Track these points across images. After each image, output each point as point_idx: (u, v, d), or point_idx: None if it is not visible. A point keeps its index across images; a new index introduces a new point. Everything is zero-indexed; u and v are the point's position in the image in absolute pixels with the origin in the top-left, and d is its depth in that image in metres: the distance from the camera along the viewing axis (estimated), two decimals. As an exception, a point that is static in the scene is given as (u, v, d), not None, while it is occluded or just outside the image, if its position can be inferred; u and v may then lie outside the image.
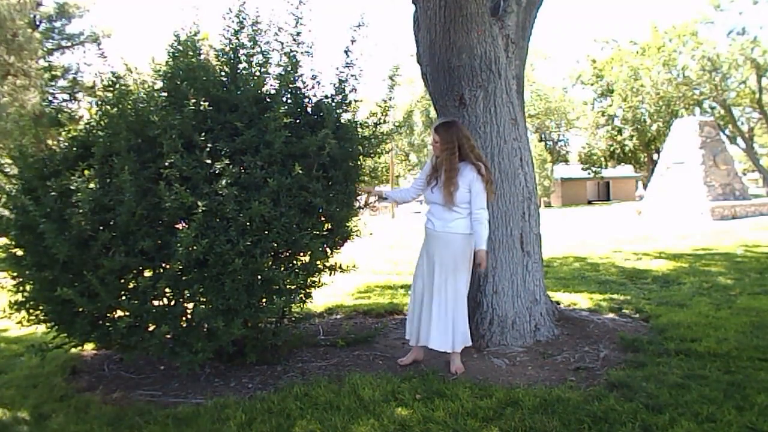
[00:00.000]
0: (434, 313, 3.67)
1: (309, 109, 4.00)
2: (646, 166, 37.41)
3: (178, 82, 3.62)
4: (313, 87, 4.04)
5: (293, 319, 4.40)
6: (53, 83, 26.73)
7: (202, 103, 3.44)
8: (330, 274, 4.17)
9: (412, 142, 37.36)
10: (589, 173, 40.27)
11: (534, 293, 4.28)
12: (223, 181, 3.31)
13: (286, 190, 3.51)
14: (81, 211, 3.27)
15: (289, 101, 3.88)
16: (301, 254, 3.88)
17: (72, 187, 3.30)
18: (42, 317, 3.75)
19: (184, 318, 3.54)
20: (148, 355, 3.66)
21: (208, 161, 3.37)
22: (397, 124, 5.00)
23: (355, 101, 4.05)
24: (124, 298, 3.44)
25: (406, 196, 4.04)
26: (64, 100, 27.41)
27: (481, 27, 4.09)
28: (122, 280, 3.52)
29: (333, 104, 3.92)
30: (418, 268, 3.89)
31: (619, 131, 37.32)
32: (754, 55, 27.06)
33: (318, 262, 3.92)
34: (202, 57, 3.81)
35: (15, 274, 3.77)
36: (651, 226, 14.74)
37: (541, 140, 42.50)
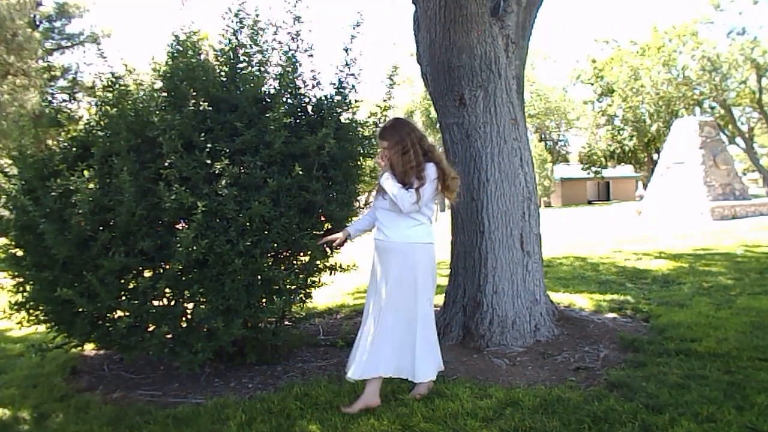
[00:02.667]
0: (418, 341, 3.14)
1: (309, 109, 4.00)
2: (646, 166, 37.40)
3: (178, 82, 3.62)
4: (313, 87, 4.05)
5: (293, 319, 4.39)
6: (53, 83, 26.73)
7: (201, 103, 3.44)
8: (330, 274, 4.17)
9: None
10: (589, 173, 40.24)
11: (534, 293, 4.28)
12: (223, 182, 3.31)
13: (286, 190, 3.51)
14: (81, 211, 3.27)
15: (289, 101, 3.88)
16: (301, 254, 3.88)
17: (72, 187, 3.30)
18: (42, 317, 3.75)
19: (184, 318, 3.55)
20: (148, 355, 3.67)
21: (208, 161, 3.37)
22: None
23: (355, 101, 4.05)
24: (124, 298, 3.44)
25: (370, 221, 3.42)
26: (64, 100, 27.37)
27: (481, 27, 4.09)
28: (122, 281, 3.52)
29: (333, 104, 3.92)
30: (369, 291, 3.38)
31: (619, 131, 37.30)
32: (754, 55, 27.02)
33: (318, 262, 3.92)
34: (202, 57, 3.81)
35: (15, 274, 3.77)
36: (651, 226, 14.74)
37: (541, 140, 42.50)
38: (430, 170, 3.10)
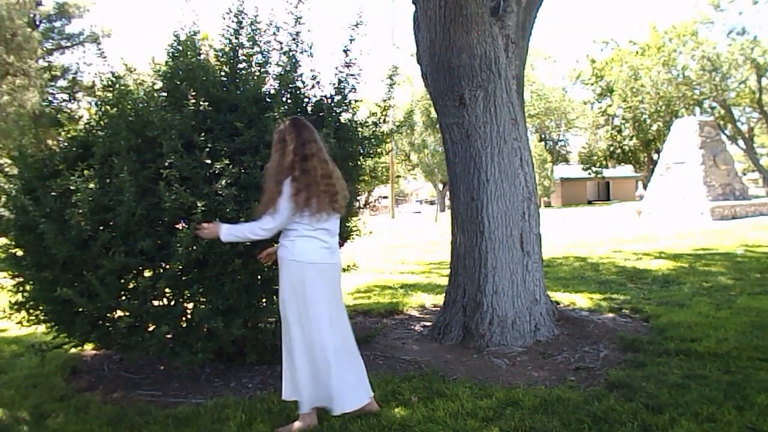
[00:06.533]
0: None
1: (309, 109, 4.00)
2: (646, 166, 37.40)
3: (178, 82, 3.62)
4: (313, 87, 4.05)
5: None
6: (53, 83, 26.75)
7: (201, 103, 3.44)
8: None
9: (413, 142, 37.40)
10: (589, 173, 40.27)
11: (534, 293, 4.28)
12: (223, 181, 3.32)
13: (286, 190, 3.51)
14: (81, 211, 3.27)
15: (289, 101, 3.88)
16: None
17: (72, 187, 3.30)
18: (42, 317, 3.75)
19: (184, 318, 3.55)
20: (148, 355, 3.66)
21: (208, 161, 3.37)
22: (397, 123, 5.00)
23: (355, 101, 4.06)
24: (124, 298, 3.44)
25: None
26: (64, 100, 27.43)
27: (481, 27, 4.09)
28: (122, 280, 3.53)
29: (333, 104, 3.92)
30: None
31: (619, 131, 37.32)
32: (754, 55, 27.05)
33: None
34: (202, 57, 3.82)
35: (15, 274, 3.77)
36: (651, 226, 14.74)
37: (541, 140, 42.51)
38: (285, 184, 2.78)
